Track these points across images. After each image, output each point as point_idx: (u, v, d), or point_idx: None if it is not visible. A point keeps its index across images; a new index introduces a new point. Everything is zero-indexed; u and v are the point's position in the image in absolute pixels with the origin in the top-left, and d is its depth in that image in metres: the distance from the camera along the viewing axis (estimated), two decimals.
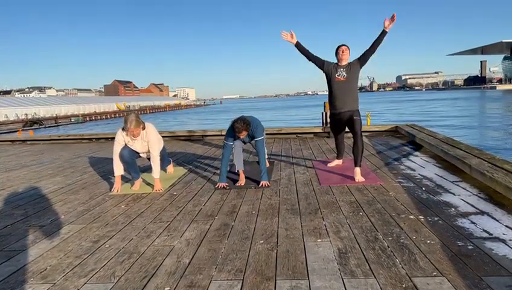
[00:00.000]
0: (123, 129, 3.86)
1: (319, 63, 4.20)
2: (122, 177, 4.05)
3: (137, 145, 3.99)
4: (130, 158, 3.98)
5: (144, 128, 3.92)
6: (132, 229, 2.81)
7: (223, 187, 3.83)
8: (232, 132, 3.81)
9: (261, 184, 3.81)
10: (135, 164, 4.07)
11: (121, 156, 3.93)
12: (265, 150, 4.27)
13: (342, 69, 4.09)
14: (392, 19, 3.91)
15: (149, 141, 3.98)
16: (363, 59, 4.09)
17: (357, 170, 3.89)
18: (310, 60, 4.25)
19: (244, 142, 4.12)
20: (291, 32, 4.17)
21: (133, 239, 2.61)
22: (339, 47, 4.13)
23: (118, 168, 3.95)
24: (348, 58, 4.09)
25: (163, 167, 4.44)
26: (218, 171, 4.61)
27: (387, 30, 3.96)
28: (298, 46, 4.21)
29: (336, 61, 4.16)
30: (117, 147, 3.94)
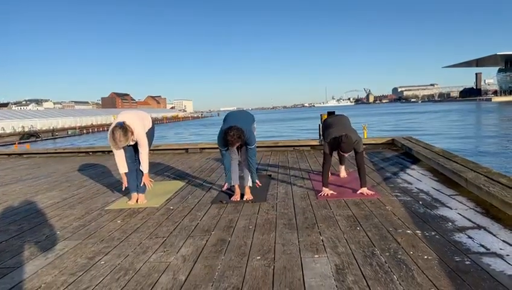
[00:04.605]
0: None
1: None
2: (120, 191, 4.00)
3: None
4: (131, 163, 3.95)
5: (132, 133, 3.69)
6: (128, 245, 2.79)
7: (221, 202, 3.82)
8: (224, 142, 3.61)
9: (256, 184, 3.88)
10: (134, 170, 3.98)
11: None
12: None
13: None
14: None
15: (138, 141, 3.82)
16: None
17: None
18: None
19: (238, 153, 4.07)
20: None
21: (129, 255, 2.58)
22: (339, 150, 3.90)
23: (122, 166, 3.87)
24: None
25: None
26: (214, 186, 4.62)
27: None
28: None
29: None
30: (115, 150, 3.81)
